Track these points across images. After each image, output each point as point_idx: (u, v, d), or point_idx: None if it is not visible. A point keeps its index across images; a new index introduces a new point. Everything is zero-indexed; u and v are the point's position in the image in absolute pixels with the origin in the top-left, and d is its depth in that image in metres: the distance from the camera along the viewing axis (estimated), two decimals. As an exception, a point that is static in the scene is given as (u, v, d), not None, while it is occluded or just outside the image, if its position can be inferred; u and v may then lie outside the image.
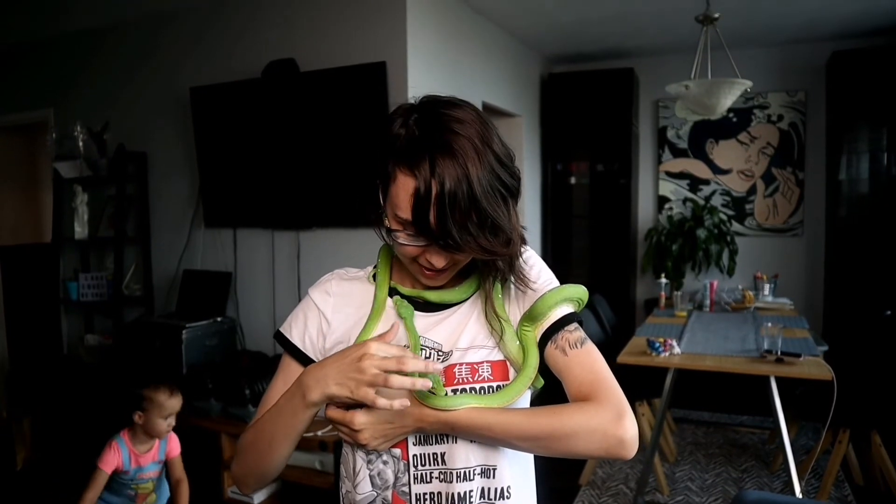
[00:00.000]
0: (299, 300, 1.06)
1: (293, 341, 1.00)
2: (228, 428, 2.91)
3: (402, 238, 0.87)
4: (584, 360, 0.91)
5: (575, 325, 0.94)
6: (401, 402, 0.82)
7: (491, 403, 0.88)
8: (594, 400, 0.87)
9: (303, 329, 1.00)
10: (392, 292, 0.99)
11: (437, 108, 0.86)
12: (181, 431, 2.96)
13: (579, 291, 0.97)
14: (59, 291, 4.04)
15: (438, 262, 0.88)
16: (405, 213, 0.84)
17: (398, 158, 0.84)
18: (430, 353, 0.95)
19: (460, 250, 0.84)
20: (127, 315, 3.86)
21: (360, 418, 0.87)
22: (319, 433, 2.66)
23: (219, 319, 3.43)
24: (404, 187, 0.83)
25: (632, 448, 0.85)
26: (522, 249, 0.97)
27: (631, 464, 3.52)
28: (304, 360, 0.99)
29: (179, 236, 3.83)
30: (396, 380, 0.81)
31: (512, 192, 0.87)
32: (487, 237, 0.84)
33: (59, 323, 4.22)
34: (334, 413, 0.89)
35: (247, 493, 1.02)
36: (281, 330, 1.03)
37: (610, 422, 0.84)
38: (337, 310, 1.00)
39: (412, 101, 0.89)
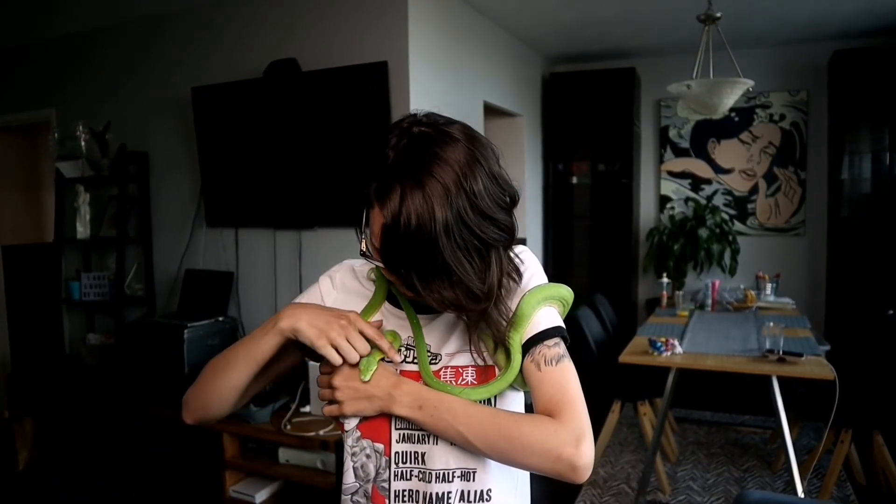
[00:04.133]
0: (301, 300, 1.06)
1: None
2: (229, 427, 2.91)
3: (378, 263, 0.88)
4: (556, 377, 0.89)
5: (556, 339, 0.92)
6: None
7: (460, 395, 0.90)
8: (557, 419, 0.86)
9: None
10: (389, 295, 1.00)
11: (425, 142, 0.82)
12: (182, 431, 2.98)
13: (561, 291, 0.97)
14: (61, 291, 4.05)
15: (409, 293, 0.89)
16: (378, 243, 0.84)
17: (375, 188, 0.82)
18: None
19: (422, 298, 0.84)
20: (129, 315, 3.87)
21: (340, 374, 0.92)
22: (321, 432, 2.66)
23: (220, 319, 3.43)
24: (376, 219, 0.83)
25: (583, 475, 0.84)
26: (518, 250, 0.97)
27: (633, 463, 3.52)
28: (299, 343, 1.00)
29: (181, 236, 3.83)
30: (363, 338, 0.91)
31: (492, 245, 0.83)
32: (452, 290, 0.82)
33: (61, 323, 4.22)
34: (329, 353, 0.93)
35: (186, 419, 1.01)
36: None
37: (567, 444, 0.83)
38: (337, 305, 1.01)
39: (415, 114, 0.87)
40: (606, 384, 3.46)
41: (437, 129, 0.84)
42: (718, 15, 3.40)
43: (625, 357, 2.99)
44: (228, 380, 0.95)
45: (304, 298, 1.03)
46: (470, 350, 0.93)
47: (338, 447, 2.59)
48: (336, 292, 1.03)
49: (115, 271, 3.84)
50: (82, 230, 3.92)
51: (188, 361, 3.19)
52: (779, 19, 4.19)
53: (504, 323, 0.91)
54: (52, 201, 4.16)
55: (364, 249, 0.89)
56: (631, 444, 3.81)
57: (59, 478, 3.56)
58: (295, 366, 1.05)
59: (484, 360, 0.93)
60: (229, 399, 0.97)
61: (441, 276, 0.81)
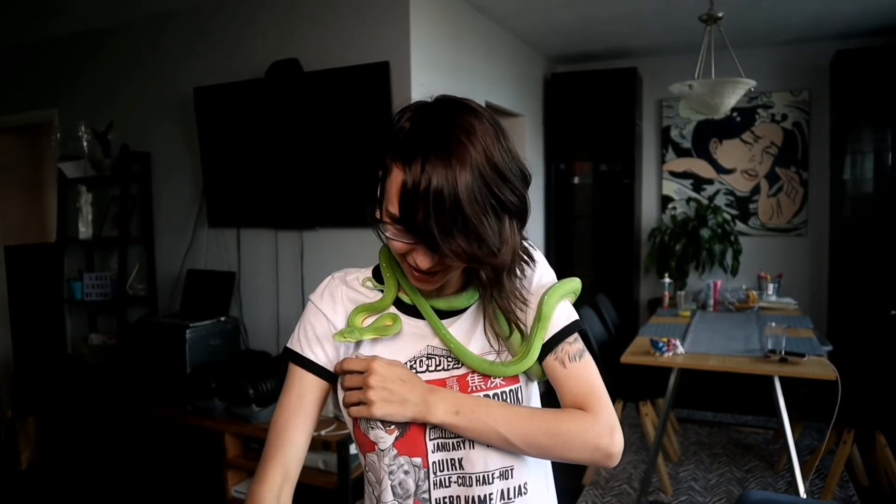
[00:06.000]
0: (303, 300, 1.05)
1: (306, 356, 0.98)
2: (232, 427, 2.91)
3: (391, 232, 0.86)
4: (581, 373, 0.95)
5: (575, 335, 0.97)
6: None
7: (494, 369, 0.93)
8: (589, 412, 0.91)
9: (315, 341, 0.99)
10: (397, 302, 0.99)
11: (448, 110, 0.85)
12: (184, 431, 2.98)
13: (574, 285, 1.01)
14: (64, 291, 4.05)
15: (423, 262, 0.86)
16: (394, 207, 0.84)
17: (395, 151, 0.84)
18: (440, 361, 0.95)
19: (441, 252, 0.83)
20: (131, 315, 3.87)
21: (372, 395, 0.89)
22: (323, 433, 2.66)
23: (222, 319, 3.43)
24: (395, 181, 0.83)
25: (617, 460, 0.92)
26: (532, 261, 0.98)
27: (634, 464, 3.52)
28: (320, 372, 0.98)
29: (183, 236, 3.83)
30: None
31: (508, 209, 0.85)
32: (470, 244, 0.82)
33: (64, 322, 4.23)
34: (353, 363, 0.92)
35: None
36: (290, 346, 1.00)
37: (603, 436, 0.90)
38: (348, 314, 0.99)
39: (429, 99, 0.89)
40: (608, 384, 3.46)
41: (450, 99, 0.87)
42: (720, 15, 3.40)
43: (627, 357, 2.99)
44: None
45: (308, 328, 1.00)
46: (484, 327, 0.95)
47: (339, 447, 2.59)
48: (338, 303, 1.00)
49: (118, 271, 3.85)
50: (84, 230, 3.93)
51: (190, 361, 3.19)
52: (781, 19, 4.18)
53: (515, 298, 0.94)
54: (55, 201, 4.17)
55: (378, 217, 0.88)
56: (633, 444, 3.80)
57: (62, 477, 3.57)
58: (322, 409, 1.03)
59: (499, 344, 0.95)
60: None
61: (461, 230, 0.81)
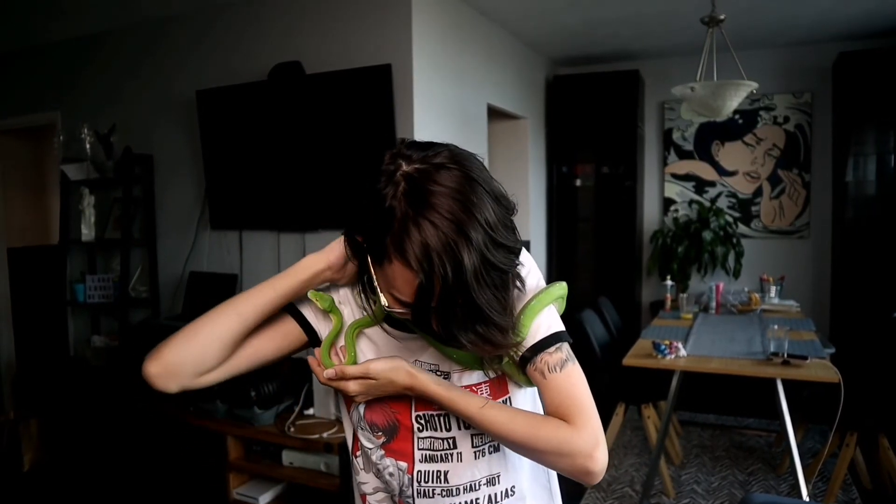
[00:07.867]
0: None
1: (299, 308, 1.02)
2: (234, 430, 2.92)
3: (398, 309, 0.85)
4: (561, 384, 0.90)
5: (556, 346, 0.92)
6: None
7: (469, 362, 0.94)
8: (572, 425, 0.87)
9: (312, 309, 1.03)
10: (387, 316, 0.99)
11: (425, 182, 0.77)
12: (186, 432, 2.97)
13: (554, 293, 0.97)
14: (66, 293, 4.06)
15: (437, 327, 0.84)
16: (402, 294, 0.81)
17: (395, 244, 0.77)
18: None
19: (458, 346, 0.83)
20: (133, 317, 3.88)
21: (352, 387, 0.92)
22: (325, 435, 2.66)
23: (224, 321, 3.43)
24: (402, 275, 0.79)
25: (597, 478, 0.88)
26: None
27: (637, 466, 3.51)
28: (305, 324, 1.01)
29: (185, 238, 3.84)
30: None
31: (507, 272, 0.81)
32: (486, 328, 0.81)
33: (66, 324, 4.23)
34: (327, 372, 0.93)
35: (150, 369, 0.92)
36: (295, 303, 1.02)
37: (582, 453, 0.85)
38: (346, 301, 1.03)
39: (394, 149, 0.83)
40: (610, 387, 3.46)
41: (429, 164, 0.79)
42: (722, 17, 3.40)
43: (629, 360, 2.99)
44: (226, 318, 0.92)
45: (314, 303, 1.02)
46: (483, 365, 0.93)
47: (341, 449, 2.59)
48: (344, 306, 1.04)
49: (120, 273, 3.85)
50: (87, 232, 3.94)
51: (192, 363, 3.19)
52: (783, 21, 4.18)
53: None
54: (58, 204, 4.18)
55: (387, 306, 0.85)
56: (635, 447, 3.80)
57: (65, 479, 3.57)
58: (283, 356, 1.01)
59: (495, 371, 0.95)
60: (225, 334, 0.92)
61: (476, 319, 0.79)
